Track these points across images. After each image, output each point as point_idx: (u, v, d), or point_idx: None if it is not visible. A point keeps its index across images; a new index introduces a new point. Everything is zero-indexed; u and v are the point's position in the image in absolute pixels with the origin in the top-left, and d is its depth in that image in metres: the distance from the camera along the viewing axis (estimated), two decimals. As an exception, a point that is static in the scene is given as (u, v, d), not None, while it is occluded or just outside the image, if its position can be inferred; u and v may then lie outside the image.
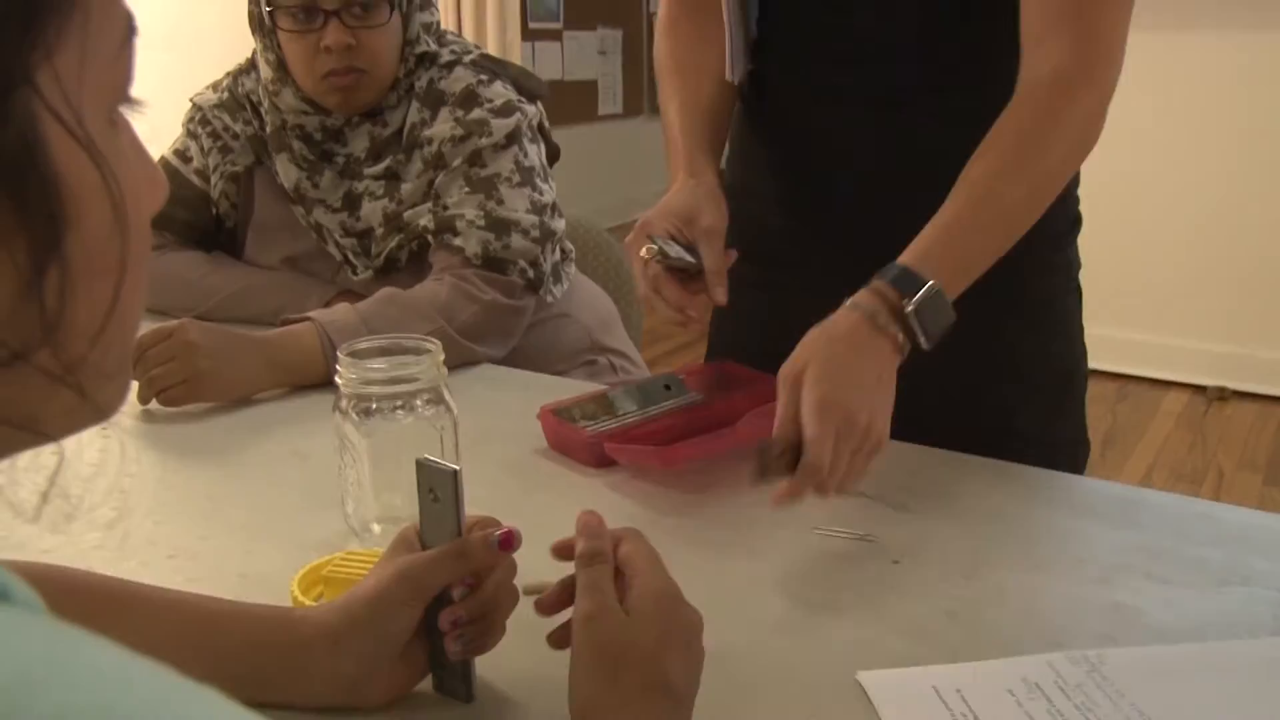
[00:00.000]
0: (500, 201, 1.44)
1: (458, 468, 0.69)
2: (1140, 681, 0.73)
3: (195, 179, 1.60)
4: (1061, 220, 1.21)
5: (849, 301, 0.95)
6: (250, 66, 1.57)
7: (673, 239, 1.06)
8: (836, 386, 0.88)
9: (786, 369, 0.91)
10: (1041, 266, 1.20)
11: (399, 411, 0.92)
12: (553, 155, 1.60)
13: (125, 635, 0.68)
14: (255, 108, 1.56)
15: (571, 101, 6.09)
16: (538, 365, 1.48)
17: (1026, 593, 0.86)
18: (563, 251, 1.61)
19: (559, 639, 0.70)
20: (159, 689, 0.31)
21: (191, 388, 1.22)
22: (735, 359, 1.30)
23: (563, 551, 0.72)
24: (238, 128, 1.57)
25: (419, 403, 0.93)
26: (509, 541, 0.70)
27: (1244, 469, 3.29)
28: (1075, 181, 1.21)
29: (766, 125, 1.27)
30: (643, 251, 1.05)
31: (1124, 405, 3.78)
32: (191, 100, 1.62)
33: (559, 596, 0.71)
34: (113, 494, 1.04)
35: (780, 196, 1.27)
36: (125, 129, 0.42)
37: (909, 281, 0.94)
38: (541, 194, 1.49)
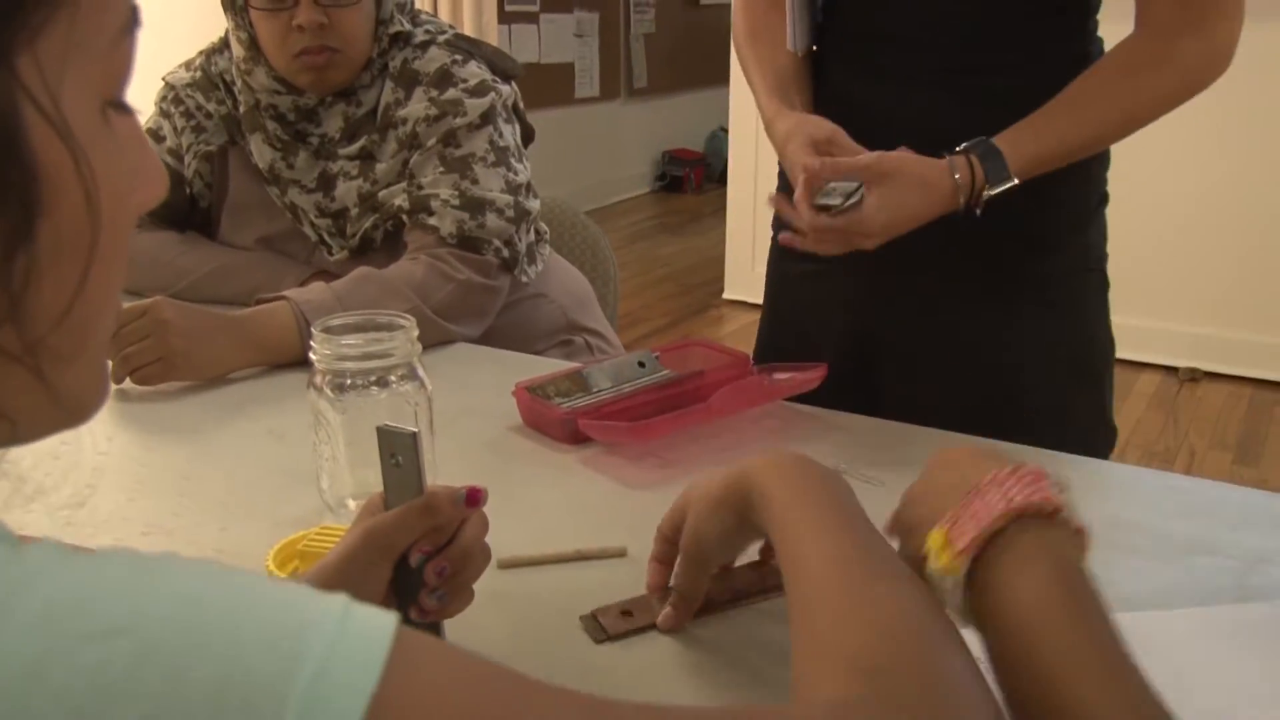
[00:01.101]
0: (475, 181, 1.44)
1: (416, 430, 0.69)
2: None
3: (168, 158, 1.59)
4: (1081, 200, 1.24)
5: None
6: (223, 45, 1.56)
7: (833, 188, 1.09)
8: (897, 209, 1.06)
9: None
10: (1057, 244, 1.23)
11: (373, 387, 0.93)
12: (527, 136, 1.59)
13: None
14: (229, 87, 1.55)
15: (548, 84, 6.08)
16: (514, 345, 1.48)
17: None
18: (537, 232, 1.61)
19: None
20: (129, 571, 0.35)
21: (165, 366, 1.22)
22: (787, 340, 1.39)
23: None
24: (211, 107, 1.56)
25: (393, 378, 0.93)
26: (475, 497, 0.70)
27: (1215, 448, 3.32)
28: (1103, 163, 1.24)
29: (824, 105, 1.28)
30: (817, 199, 1.08)
31: (1098, 386, 3.81)
32: (164, 79, 1.61)
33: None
34: (85, 471, 1.04)
35: None
36: (125, 121, 0.42)
37: (984, 145, 1.08)
38: (516, 174, 1.49)
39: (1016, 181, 1.08)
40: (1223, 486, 1.03)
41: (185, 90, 1.57)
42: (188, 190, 1.60)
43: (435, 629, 0.73)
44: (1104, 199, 1.28)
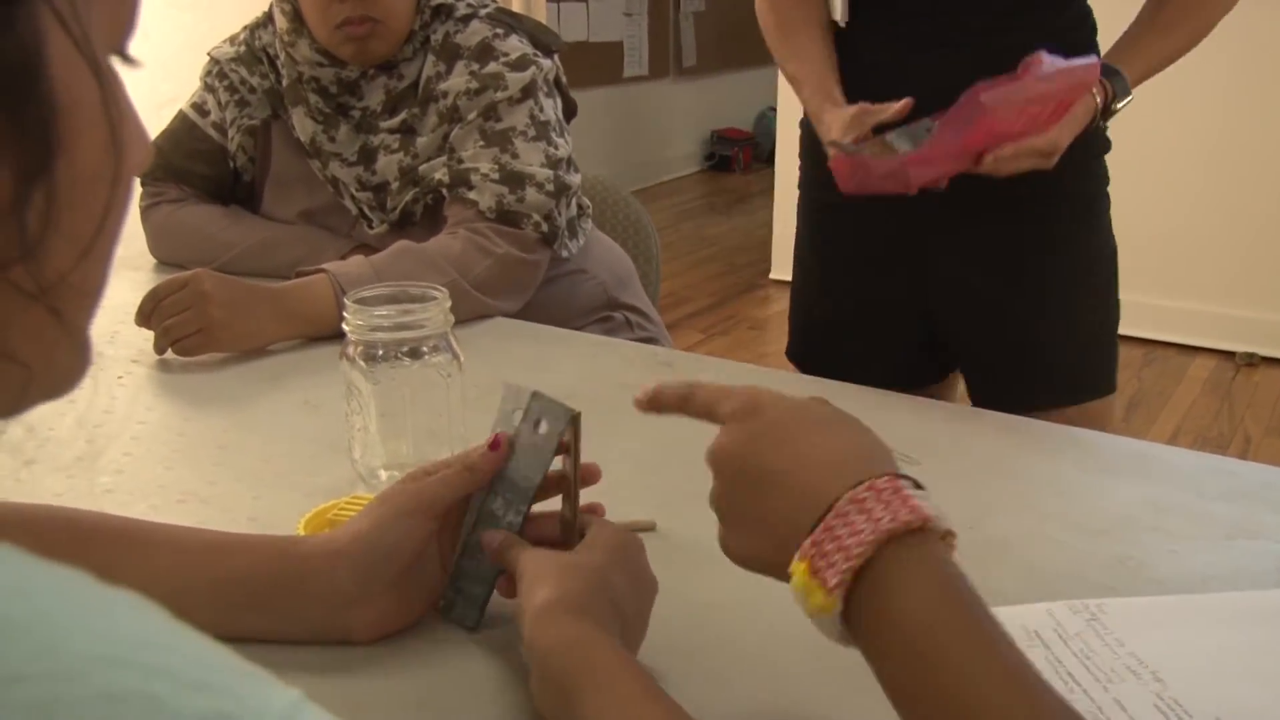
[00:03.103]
0: (515, 155, 1.44)
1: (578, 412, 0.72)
2: (1139, 631, 0.73)
3: (213, 132, 1.60)
4: (1097, 132, 1.33)
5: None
6: (267, 20, 1.57)
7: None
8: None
9: None
10: (1081, 170, 1.33)
11: (405, 359, 0.93)
12: (569, 110, 1.59)
13: (124, 570, 0.70)
14: (272, 61, 1.56)
15: (596, 63, 6.07)
16: (553, 320, 1.48)
17: (1029, 544, 0.86)
18: (579, 207, 1.60)
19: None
20: (63, 597, 0.30)
21: (206, 338, 1.23)
22: (826, 305, 1.53)
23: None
24: (255, 81, 1.57)
25: (425, 350, 0.93)
26: (496, 442, 0.73)
27: (1271, 434, 3.26)
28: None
29: (856, 78, 1.34)
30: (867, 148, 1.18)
31: (1150, 370, 3.75)
32: (209, 54, 1.62)
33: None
34: (124, 439, 1.05)
35: None
36: (120, 82, 0.41)
37: (1104, 66, 1.23)
38: (557, 148, 1.48)
39: (1133, 96, 1.25)
40: (1272, 470, 1.01)
41: (229, 65, 1.58)
42: (231, 164, 1.61)
43: (486, 593, 0.74)
44: (1109, 141, 1.40)
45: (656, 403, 0.69)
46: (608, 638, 0.61)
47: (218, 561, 0.71)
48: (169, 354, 1.24)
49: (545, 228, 1.45)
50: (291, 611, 0.71)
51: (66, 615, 0.29)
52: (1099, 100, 1.22)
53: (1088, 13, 1.35)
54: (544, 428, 0.72)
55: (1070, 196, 1.35)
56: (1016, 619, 0.74)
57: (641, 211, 1.98)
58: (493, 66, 1.46)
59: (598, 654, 0.59)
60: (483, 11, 1.51)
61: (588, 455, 0.74)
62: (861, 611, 0.53)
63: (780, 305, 4.65)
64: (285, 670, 0.66)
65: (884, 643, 0.53)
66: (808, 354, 1.55)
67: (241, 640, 0.70)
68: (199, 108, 1.62)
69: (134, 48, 0.40)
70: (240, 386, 1.20)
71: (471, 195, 1.42)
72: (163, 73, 1.79)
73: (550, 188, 1.45)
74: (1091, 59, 1.21)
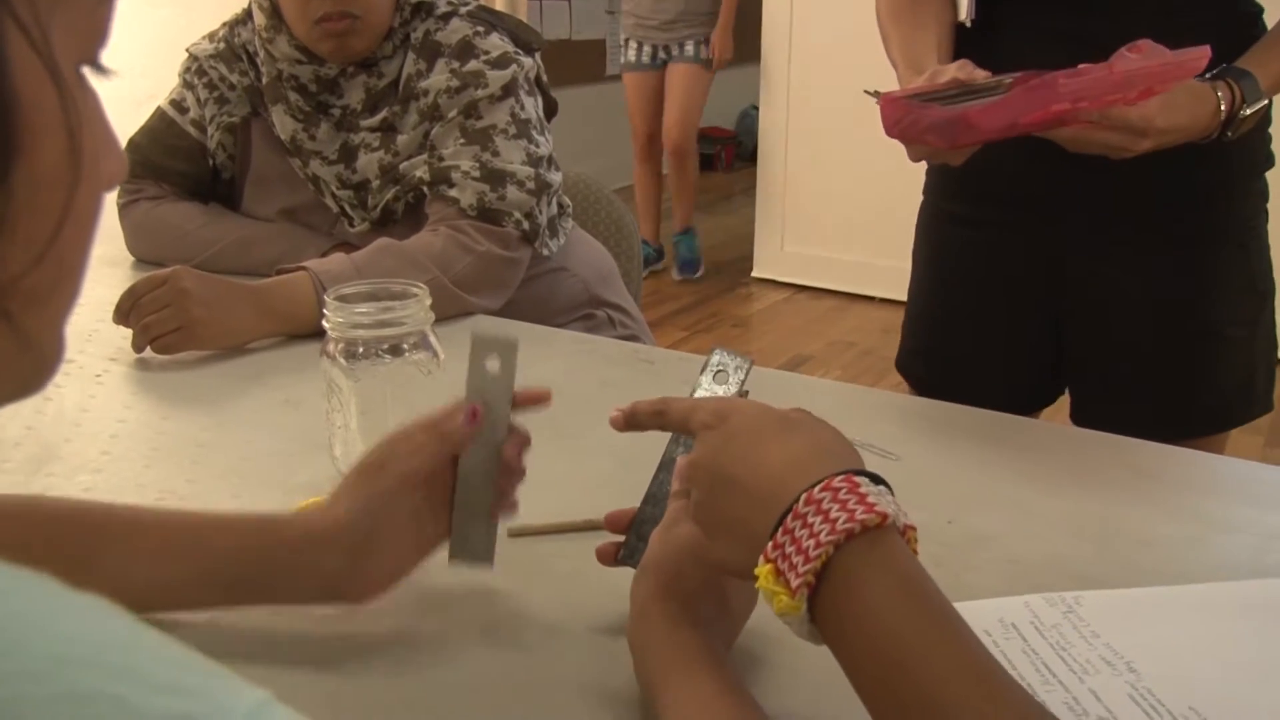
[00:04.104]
0: (496, 153, 1.44)
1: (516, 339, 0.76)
2: (1114, 622, 0.73)
3: (192, 130, 1.60)
4: (1261, 149, 1.30)
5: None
6: (246, 17, 1.57)
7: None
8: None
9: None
10: (1244, 191, 1.29)
11: (386, 356, 0.93)
12: (550, 109, 1.59)
13: (107, 555, 0.70)
14: (251, 58, 1.55)
15: (579, 61, 6.06)
16: (534, 318, 1.48)
17: (1008, 538, 0.87)
18: (560, 206, 1.60)
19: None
20: (27, 599, 0.30)
21: (185, 335, 1.23)
22: (950, 292, 1.44)
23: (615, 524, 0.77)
24: (234, 78, 1.57)
25: (406, 347, 0.93)
26: (474, 415, 0.76)
27: (1249, 432, 3.27)
28: (1268, 119, 1.25)
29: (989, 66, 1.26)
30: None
31: None
32: (187, 50, 1.61)
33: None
34: (103, 438, 1.04)
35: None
36: (91, 93, 0.40)
37: (1232, 69, 1.14)
38: (538, 146, 1.48)
39: (1267, 101, 1.14)
40: (1251, 464, 1.02)
41: (209, 61, 1.58)
42: (211, 162, 1.61)
43: (492, 528, 0.78)
44: (1271, 155, 1.34)
45: (633, 421, 0.71)
46: (696, 636, 0.63)
47: (204, 543, 0.72)
48: (147, 352, 1.24)
49: (526, 225, 1.45)
50: (281, 588, 0.72)
51: (31, 616, 0.29)
52: (1223, 103, 1.12)
53: (1257, 14, 1.24)
54: (502, 364, 0.76)
55: (1226, 219, 1.29)
56: (994, 611, 0.74)
57: (623, 210, 1.98)
58: (473, 64, 1.46)
59: (682, 653, 0.62)
60: (463, 9, 1.51)
61: (571, 451, 0.74)
62: (826, 611, 0.54)
63: (763, 303, 4.66)
64: (272, 666, 0.66)
65: (849, 641, 0.53)
66: (925, 369, 1.48)
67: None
68: (178, 105, 1.61)
69: (110, 44, 0.40)
70: (220, 384, 1.20)
71: (453, 193, 1.42)
72: (140, 70, 1.78)
73: (531, 186, 1.45)
74: (1201, 48, 1.05)
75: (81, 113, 0.38)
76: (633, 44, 4.78)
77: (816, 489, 0.55)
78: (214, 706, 0.29)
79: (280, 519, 0.74)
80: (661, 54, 4.74)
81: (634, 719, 0.66)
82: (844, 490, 0.54)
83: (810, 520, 0.54)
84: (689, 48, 4.70)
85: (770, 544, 0.55)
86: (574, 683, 0.70)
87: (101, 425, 1.07)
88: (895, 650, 0.51)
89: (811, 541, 0.53)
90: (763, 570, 0.55)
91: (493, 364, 0.76)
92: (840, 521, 0.53)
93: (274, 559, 0.71)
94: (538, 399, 0.79)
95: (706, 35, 4.66)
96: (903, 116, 1.10)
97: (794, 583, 0.53)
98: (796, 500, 0.55)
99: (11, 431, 1.03)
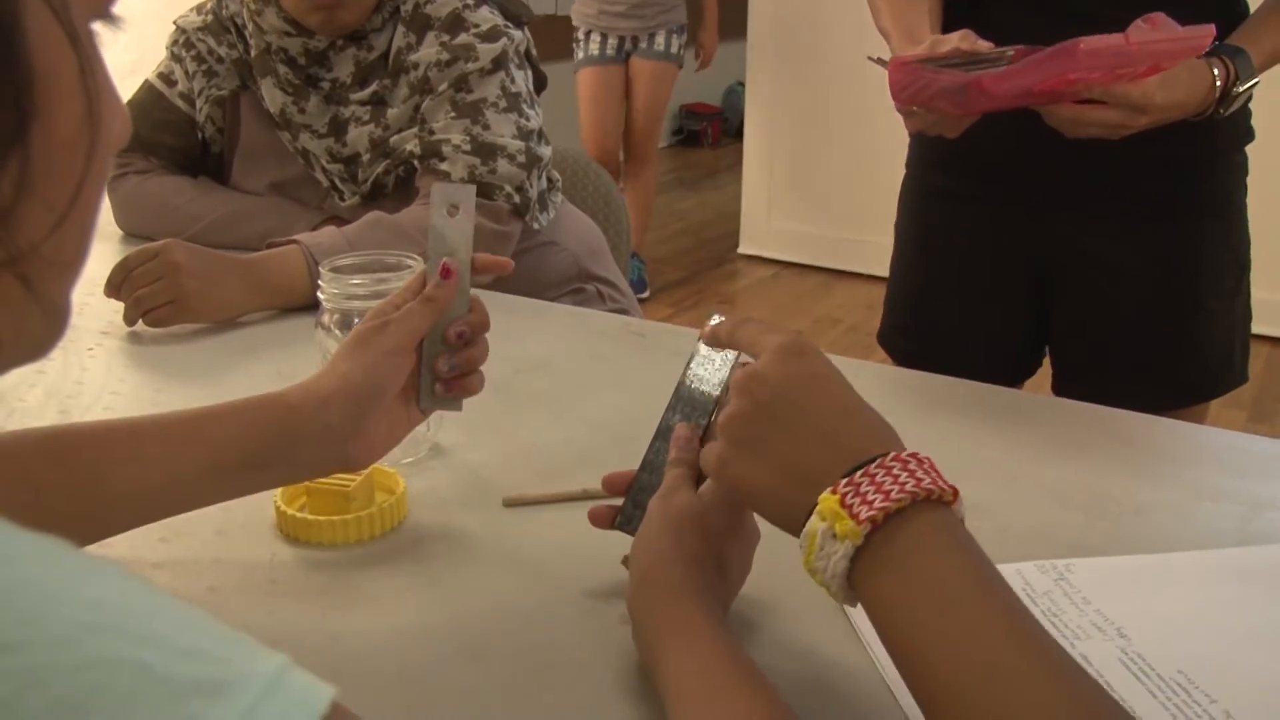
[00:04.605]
0: (486, 127, 1.44)
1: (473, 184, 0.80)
2: (1105, 589, 0.74)
3: (180, 103, 1.59)
4: (1243, 123, 1.31)
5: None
6: (234, -11, 1.56)
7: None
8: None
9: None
10: (1226, 164, 1.32)
11: (381, 327, 0.93)
12: (540, 82, 1.58)
13: (118, 466, 0.71)
14: (240, 31, 1.55)
15: (565, 36, 6.02)
16: (525, 291, 1.48)
17: (1000, 508, 0.88)
18: (549, 180, 1.60)
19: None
20: (46, 565, 0.30)
21: (178, 308, 1.23)
22: (932, 265, 1.45)
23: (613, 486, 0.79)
24: (222, 51, 1.56)
25: (401, 318, 0.93)
26: (447, 271, 0.80)
27: (1230, 406, 3.31)
28: (1250, 96, 1.26)
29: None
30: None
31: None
32: (175, 23, 1.60)
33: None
34: (96, 410, 1.05)
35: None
36: (100, 53, 0.40)
37: (1226, 46, 1.16)
38: (528, 120, 1.48)
39: (1259, 80, 1.16)
40: (1235, 435, 1.03)
41: (197, 34, 1.57)
42: (200, 135, 1.60)
43: (456, 405, 0.83)
44: (1251, 130, 1.34)
45: (714, 340, 0.73)
46: (697, 603, 0.64)
47: (207, 433, 0.74)
48: (139, 325, 1.24)
49: (517, 199, 1.45)
50: (288, 460, 0.75)
51: (52, 583, 0.29)
52: (1219, 80, 1.14)
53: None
54: (459, 210, 0.80)
55: (1208, 191, 1.31)
56: (986, 579, 0.75)
57: (611, 185, 1.98)
58: (463, 38, 1.45)
59: (683, 620, 0.63)
60: (453, -18, 1.50)
61: (564, 421, 0.74)
62: (875, 553, 0.55)
63: (750, 279, 4.67)
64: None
65: (897, 592, 0.54)
66: (908, 342, 1.49)
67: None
68: (166, 78, 1.60)
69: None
70: (212, 358, 1.20)
71: (443, 167, 1.42)
72: (125, 42, 1.77)
73: (522, 159, 1.45)
74: (1206, 26, 1.05)
75: (98, 75, 0.38)
76: (595, 36, 4.18)
77: (903, 453, 0.58)
78: (237, 671, 0.29)
79: (276, 393, 0.76)
80: (628, 45, 4.19)
81: (632, 685, 0.67)
82: (927, 463, 0.57)
83: (896, 472, 0.56)
84: (659, 40, 4.15)
85: (845, 480, 0.57)
86: (571, 650, 0.71)
87: (95, 398, 1.07)
88: (947, 607, 0.53)
89: (895, 486, 0.55)
90: (827, 498, 0.57)
91: (454, 212, 0.79)
92: (924, 482, 0.55)
93: (281, 429, 0.74)
94: (499, 266, 0.83)
95: (680, 25, 4.19)
96: (912, 81, 1.10)
97: (863, 514, 0.55)
98: (886, 454, 0.57)
99: (4, 406, 1.03)
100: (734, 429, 0.63)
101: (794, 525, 0.59)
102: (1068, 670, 0.50)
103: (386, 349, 0.77)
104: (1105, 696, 0.50)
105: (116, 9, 0.41)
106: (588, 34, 4.19)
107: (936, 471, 0.57)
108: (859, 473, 0.57)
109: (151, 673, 0.28)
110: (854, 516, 0.55)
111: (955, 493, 0.56)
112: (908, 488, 0.55)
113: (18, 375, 0.38)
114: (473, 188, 0.81)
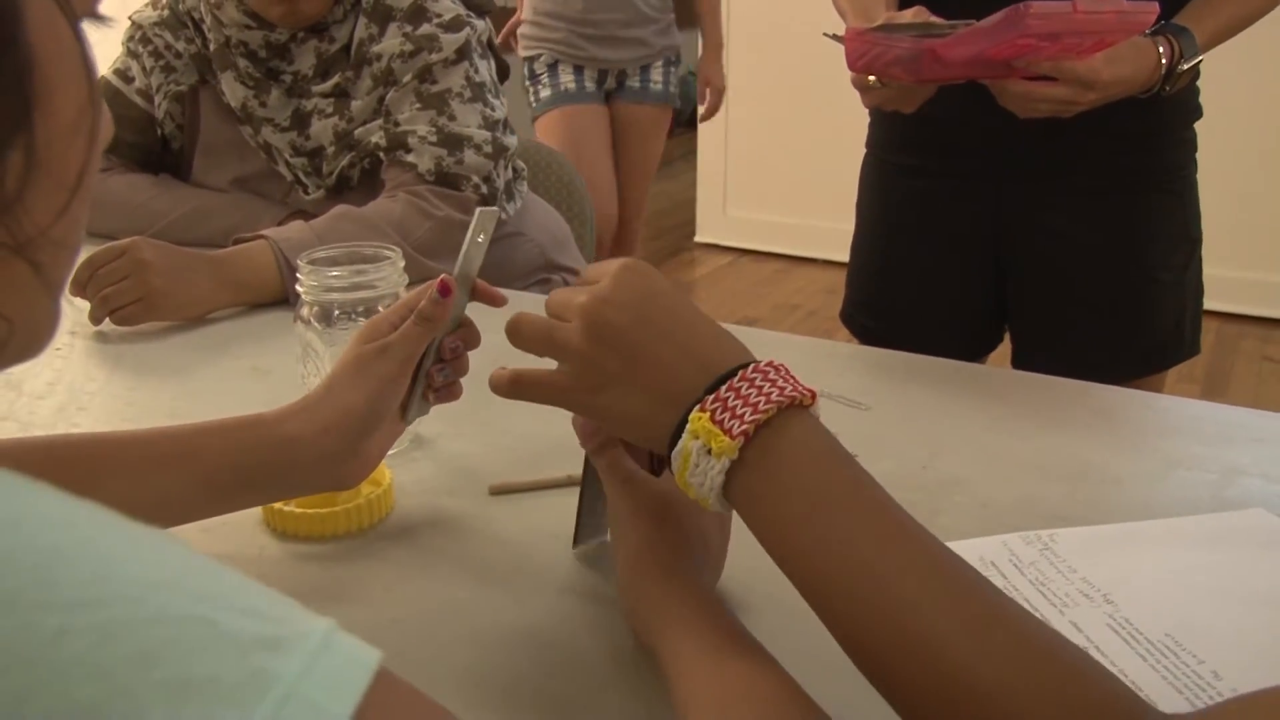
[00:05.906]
0: (452, 117, 1.43)
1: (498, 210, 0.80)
2: (1089, 557, 0.76)
3: (138, 99, 1.57)
4: (1191, 100, 1.35)
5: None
6: (191, -18, 1.54)
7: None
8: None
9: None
10: (1175, 140, 1.35)
11: (360, 318, 0.92)
12: (502, 72, 1.58)
13: (107, 480, 0.70)
14: (198, 24, 1.53)
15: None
16: (491, 282, 1.44)
17: (981, 482, 0.89)
18: (514, 170, 1.60)
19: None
20: (104, 528, 0.31)
21: (145, 306, 1.21)
22: (893, 241, 1.47)
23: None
24: (180, 46, 1.54)
25: (380, 309, 0.92)
26: (445, 287, 0.78)
27: (1183, 380, 3.36)
28: (1198, 73, 1.29)
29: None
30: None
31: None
32: (130, 18, 1.58)
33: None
34: (70, 411, 1.03)
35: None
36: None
37: (1171, 25, 1.19)
38: (493, 109, 1.48)
39: (1202, 56, 1.20)
40: (1199, 404, 1.05)
41: (153, 29, 1.55)
42: (159, 132, 1.58)
43: (428, 407, 0.83)
44: (1199, 107, 1.37)
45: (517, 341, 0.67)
46: (691, 582, 0.64)
47: (199, 450, 0.73)
48: (107, 324, 1.22)
49: (485, 189, 1.45)
50: (281, 483, 0.76)
51: (112, 544, 0.30)
52: (1164, 57, 1.18)
53: None
54: (485, 237, 0.79)
55: (1158, 166, 1.34)
56: (973, 551, 0.77)
57: (574, 174, 1.98)
58: (426, 28, 1.45)
59: (680, 600, 0.63)
60: (413, -29, 1.49)
61: (542, 409, 0.74)
62: (753, 471, 0.57)
63: (707, 268, 4.68)
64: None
65: (774, 499, 0.56)
66: (870, 319, 1.52)
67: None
68: (122, 74, 1.58)
69: None
70: (185, 355, 1.19)
71: (410, 158, 1.42)
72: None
73: (488, 149, 1.44)
74: (1151, 3, 1.09)
75: (94, 64, 0.38)
76: (565, 69, 2.92)
77: (761, 363, 0.59)
78: (293, 629, 0.30)
79: (272, 417, 0.76)
80: (609, 82, 2.98)
81: (628, 669, 0.68)
82: (783, 371, 0.59)
83: (758, 384, 0.57)
84: (655, 75, 3.01)
85: (711, 396, 0.58)
86: (561, 636, 0.71)
87: (68, 398, 1.06)
88: (825, 506, 0.55)
89: (760, 398, 0.57)
90: (698, 416, 0.58)
91: (481, 237, 0.79)
92: (787, 390, 0.57)
93: (278, 458, 0.74)
94: (492, 299, 0.82)
95: (676, 52, 3.09)
96: (867, 50, 1.12)
97: (735, 429, 0.56)
98: (745, 365, 0.59)
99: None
100: (584, 366, 0.63)
101: (661, 444, 0.60)
102: (942, 562, 0.53)
103: (389, 376, 0.77)
104: (980, 583, 0.52)
105: (102, 8, 0.41)
106: (553, 65, 2.94)
107: (793, 377, 0.59)
108: (724, 387, 0.58)
109: (216, 627, 0.29)
110: (727, 432, 0.56)
111: (813, 395, 0.58)
112: (773, 398, 0.56)
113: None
114: (497, 211, 0.81)
